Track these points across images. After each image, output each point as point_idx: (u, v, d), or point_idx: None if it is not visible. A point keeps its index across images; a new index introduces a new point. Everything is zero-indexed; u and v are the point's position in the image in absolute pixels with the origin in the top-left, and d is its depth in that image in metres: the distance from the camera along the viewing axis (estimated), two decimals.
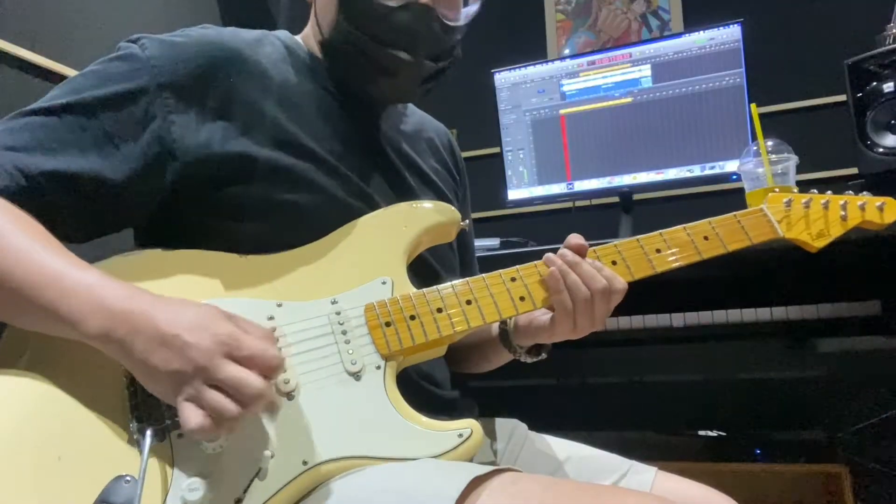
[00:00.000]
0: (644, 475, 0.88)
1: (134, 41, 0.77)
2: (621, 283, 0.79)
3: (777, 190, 1.10)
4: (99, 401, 0.64)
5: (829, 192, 0.91)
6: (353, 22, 0.82)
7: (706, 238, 0.84)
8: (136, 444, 0.63)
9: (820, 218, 0.88)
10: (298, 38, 0.94)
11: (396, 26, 0.81)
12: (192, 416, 0.58)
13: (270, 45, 0.87)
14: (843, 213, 0.88)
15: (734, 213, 0.87)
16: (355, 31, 0.82)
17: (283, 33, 0.92)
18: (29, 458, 0.60)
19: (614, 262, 0.82)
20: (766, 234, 0.86)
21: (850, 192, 0.91)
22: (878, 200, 0.89)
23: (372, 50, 0.83)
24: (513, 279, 0.80)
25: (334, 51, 0.87)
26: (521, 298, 0.80)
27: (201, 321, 0.61)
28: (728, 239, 0.85)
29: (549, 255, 0.81)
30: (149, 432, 0.62)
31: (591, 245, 0.83)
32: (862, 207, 0.88)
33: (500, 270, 0.81)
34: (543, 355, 0.93)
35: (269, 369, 0.61)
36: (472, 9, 0.89)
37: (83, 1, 1.70)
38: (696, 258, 0.84)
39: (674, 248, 0.83)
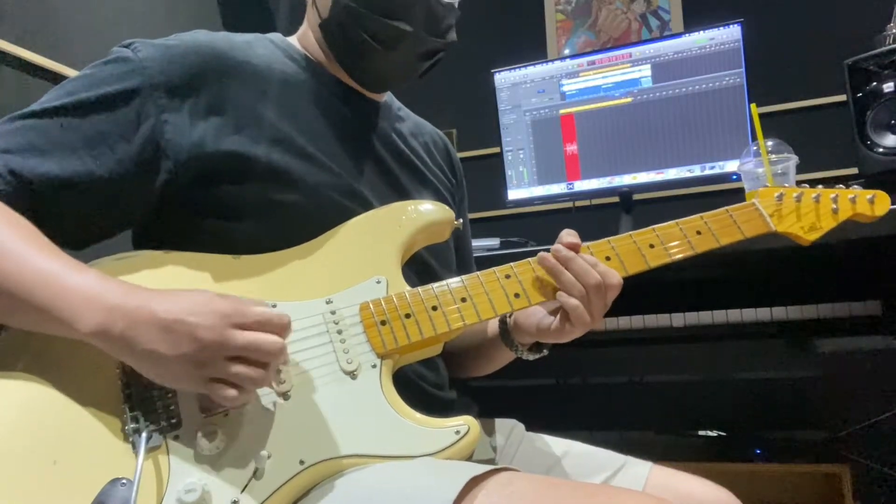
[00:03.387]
0: (639, 469, 0.88)
1: (126, 45, 0.77)
2: (616, 277, 0.79)
3: None
4: (94, 404, 0.64)
5: (819, 185, 0.91)
6: None
7: (699, 233, 0.85)
8: (132, 446, 0.63)
9: (811, 211, 0.88)
10: (291, 39, 0.94)
11: None
12: (227, 393, 0.60)
13: (263, 47, 0.87)
14: (834, 206, 0.88)
15: (726, 207, 0.87)
16: (354, 4, 0.82)
17: (275, 35, 0.93)
18: (24, 463, 0.60)
19: (608, 258, 0.82)
20: (758, 228, 0.86)
21: (842, 185, 0.91)
22: (869, 193, 0.89)
23: (372, 22, 0.83)
24: (507, 276, 0.80)
25: (333, 29, 0.86)
26: (516, 295, 0.80)
27: (199, 303, 0.61)
28: (720, 233, 0.85)
29: (543, 254, 0.81)
30: (144, 434, 0.62)
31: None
32: (853, 200, 0.88)
33: (495, 268, 0.81)
34: (545, 352, 0.93)
35: (280, 327, 0.63)
36: None
37: (83, 1, 1.70)
38: (690, 252, 0.84)
39: (667, 242, 0.84)
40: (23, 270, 0.62)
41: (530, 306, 0.81)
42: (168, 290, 0.64)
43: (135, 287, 0.64)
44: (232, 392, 0.61)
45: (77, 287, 0.61)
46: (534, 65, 1.83)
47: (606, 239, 0.83)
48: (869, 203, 0.89)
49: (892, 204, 0.90)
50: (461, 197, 1.10)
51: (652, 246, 0.83)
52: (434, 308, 0.77)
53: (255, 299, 0.66)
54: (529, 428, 1.02)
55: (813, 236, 0.87)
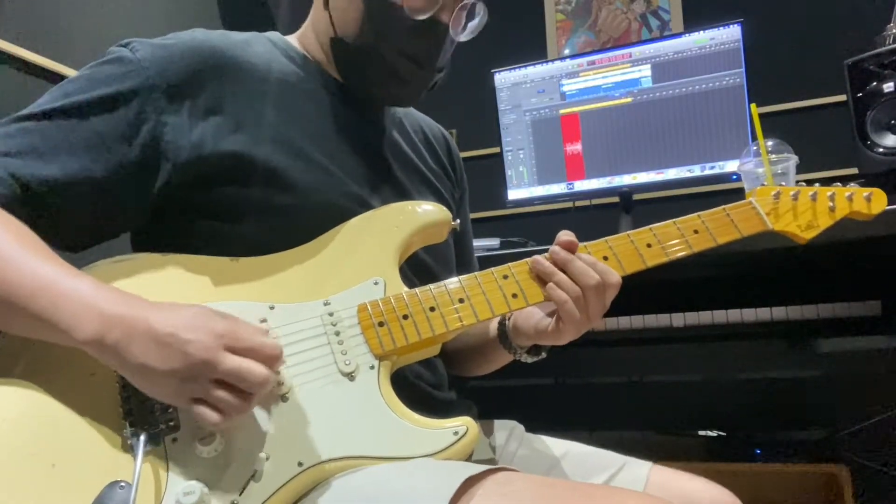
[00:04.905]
0: (639, 470, 0.88)
1: (124, 45, 0.77)
2: (615, 277, 0.79)
3: None
4: (92, 407, 0.64)
5: (816, 184, 0.90)
6: (379, 31, 0.83)
7: (696, 232, 0.84)
8: (131, 449, 0.63)
9: (808, 210, 0.88)
10: (290, 38, 0.94)
11: (421, 40, 0.84)
12: (208, 414, 0.60)
13: (261, 46, 0.87)
14: (830, 204, 0.88)
15: (723, 206, 0.87)
16: (380, 39, 0.83)
17: (273, 34, 0.93)
18: (23, 467, 0.60)
19: (605, 258, 0.82)
20: (756, 227, 0.86)
21: (838, 183, 0.91)
22: (866, 191, 0.89)
23: (394, 60, 0.84)
24: (505, 277, 0.80)
25: (350, 51, 0.87)
26: (514, 296, 0.80)
27: (196, 319, 0.61)
28: (718, 232, 0.85)
29: (536, 257, 0.80)
30: (142, 437, 0.62)
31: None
32: (850, 198, 0.88)
33: (493, 268, 0.81)
34: (543, 354, 0.93)
35: (270, 358, 0.63)
36: (474, 22, 0.90)
37: (83, 1, 1.70)
38: (687, 252, 0.84)
39: (664, 242, 0.83)
40: (20, 276, 0.61)
41: (528, 306, 0.81)
42: (167, 302, 0.64)
43: (132, 296, 0.63)
44: (214, 416, 0.60)
45: (73, 294, 0.61)
46: (534, 65, 1.83)
47: (604, 238, 0.83)
48: (866, 201, 0.89)
49: (891, 203, 0.90)
50: (461, 192, 1.10)
51: (649, 245, 0.83)
52: (432, 309, 0.77)
53: (255, 325, 0.65)
54: (529, 428, 1.02)
55: (810, 235, 0.87)
